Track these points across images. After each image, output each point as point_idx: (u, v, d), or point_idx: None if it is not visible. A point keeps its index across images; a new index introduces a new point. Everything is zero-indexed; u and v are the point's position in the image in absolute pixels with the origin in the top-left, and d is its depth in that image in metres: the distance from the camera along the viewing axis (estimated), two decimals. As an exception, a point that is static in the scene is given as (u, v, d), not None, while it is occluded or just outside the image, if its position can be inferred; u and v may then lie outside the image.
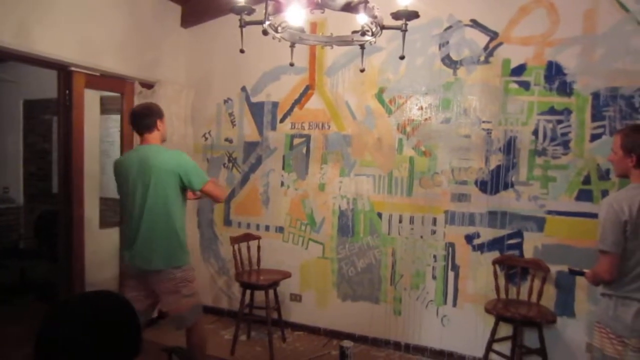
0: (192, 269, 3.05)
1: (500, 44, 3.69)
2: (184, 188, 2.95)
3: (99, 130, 4.44)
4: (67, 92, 3.76)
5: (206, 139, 4.85)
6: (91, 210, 4.10)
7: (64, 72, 3.74)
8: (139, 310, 2.89)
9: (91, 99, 4.07)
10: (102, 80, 4.02)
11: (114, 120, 4.93)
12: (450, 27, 3.84)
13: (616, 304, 2.19)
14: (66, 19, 3.56)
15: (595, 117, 3.43)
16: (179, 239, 2.94)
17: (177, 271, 2.92)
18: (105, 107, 4.88)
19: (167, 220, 2.88)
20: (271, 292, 4.07)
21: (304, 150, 4.40)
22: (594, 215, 3.33)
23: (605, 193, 3.36)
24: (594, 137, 3.44)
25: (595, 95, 3.42)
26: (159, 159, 2.86)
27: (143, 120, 2.94)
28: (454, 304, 3.88)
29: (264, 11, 2.11)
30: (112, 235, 4.35)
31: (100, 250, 4.21)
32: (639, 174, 2.20)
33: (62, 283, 3.87)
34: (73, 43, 3.64)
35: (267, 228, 4.59)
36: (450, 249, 3.88)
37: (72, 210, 3.80)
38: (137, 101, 4.28)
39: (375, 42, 2.43)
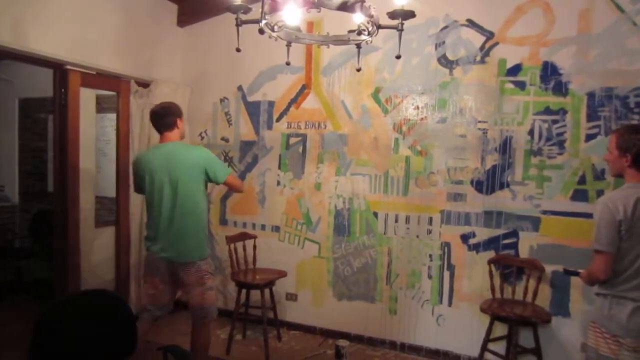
0: (211, 263, 3.22)
1: (496, 43, 3.70)
2: (207, 181, 3.10)
3: (94, 129, 4.44)
4: (63, 90, 3.75)
5: (202, 138, 4.84)
6: (87, 210, 4.09)
7: (59, 70, 3.73)
8: (160, 305, 3.08)
9: (87, 97, 4.06)
10: (97, 78, 4.01)
11: (110, 119, 4.92)
12: (446, 27, 3.85)
13: (611, 303, 2.19)
14: (62, 18, 3.56)
15: (591, 117, 3.44)
16: (205, 231, 3.13)
17: (202, 263, 3.07)
18: (102, 106, 4.88)
19: (195, 214, 3.03)
20: (267, 291, 4.07)
21: (300, 150, 4.40)
22: (589, 215, 3.34)
23: (600, 193, 3.37)
24: (589, 137, 3.45)
25: (591, 96, 3.43)
26: (184, 155, 3.01)
27: (162, 119, 3.05)
28: (450, 304, 3.89)
29: (260, 10, 2.11)
30: (108, 234, 4.34)
31: (96, 249, 4.20)
32: (634, 174, 2.21)
33: (58, 282, 3.86)
34: (69, 42, 3.63)
35: (263, 227, 4.59)
36: (446, 248, 3.89)
37: (67, 209, 3.79)
38: (133, 100, 4.28)
39: (371, 42, 2.44)
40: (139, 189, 3.18)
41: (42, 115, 5.94)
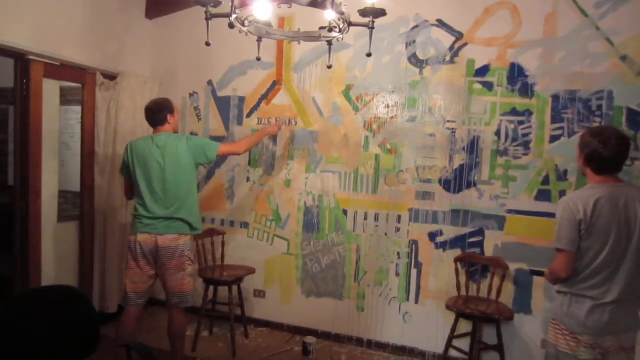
0: (192, 250, 3.36)
1: (465, 44, 3.75)
2: (199, 164, 3.40)
3: (58, 122, 4.30)
4: (25, 81, 3.62)
5: (171, 132, 4.76)
6: (49, 204, 3.97)
7: (21, 60, 3.59)
8: (140, 292, 3.20)
9: (50, 89, 3.92)
10: (62, 70, 3.89)
11: (75, 111, 4.79)
12: (417, 26, 3.88)
13: (570, 301, 2.25)
14: (25, 6, 3.44)
15: (555, 119, 3.52)
16: (192, 212, 3.29)
17: (185, 248, 3.23)
18: (66, 98, 4.74)
19: (184, 196, 3.23)
20: (235, 288, 4.04)
21: (271, 146, 4.38)
22: (551, 215, 3.42)
23: (562, 193, 3.46)
24: (553, 139, 3.53)
25: (555, 98, 3.52)
26: (174, 145, 3.23)
27: (155, 116, 3.30)
28: (416, 301, 3.94)
29: (230, 4, 2.09)
30: (71, 228, 4.24)
31: (59, 244, 4.09)
32: (592, 175, 2.28)
33: (18, 278, 3.74)
34: (31, 30, 3.51)
35: (231, 224, 4.55)
36: (413, 246, 3.93)
37: (28, 204, 3.68)
38: (99, 93, 4.19)
39: (342, 39, 2.44)
40: (126, 172, 3.36)
41: (2, 106, 5.73)
